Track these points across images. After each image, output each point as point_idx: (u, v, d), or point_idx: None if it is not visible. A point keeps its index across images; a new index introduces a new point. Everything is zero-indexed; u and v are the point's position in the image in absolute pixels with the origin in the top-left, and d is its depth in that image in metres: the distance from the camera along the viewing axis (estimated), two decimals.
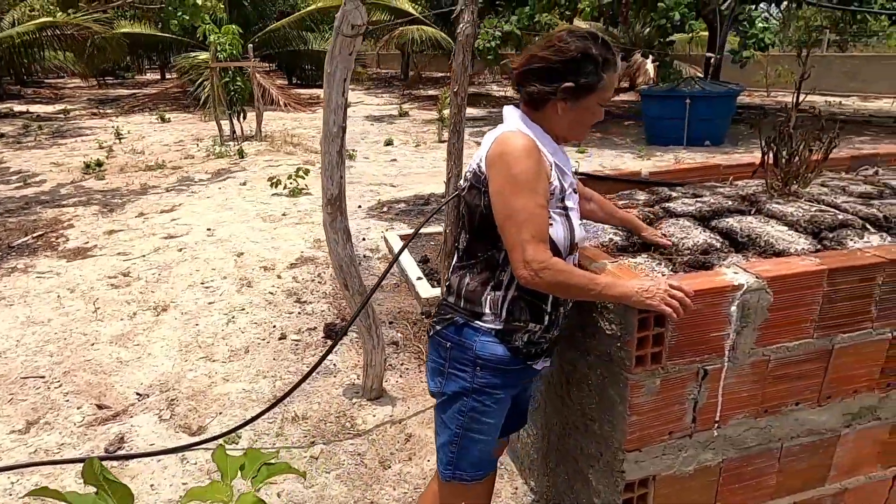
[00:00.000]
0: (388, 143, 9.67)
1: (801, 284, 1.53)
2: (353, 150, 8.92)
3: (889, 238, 2.05)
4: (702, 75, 12.87)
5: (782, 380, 1.62)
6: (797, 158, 2.49)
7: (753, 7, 9.32)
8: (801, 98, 2.61)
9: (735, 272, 1.54)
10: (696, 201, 2.44)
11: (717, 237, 2.06)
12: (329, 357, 3.15)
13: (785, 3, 11.25)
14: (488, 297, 1.41)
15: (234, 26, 10.04)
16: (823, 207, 2.32)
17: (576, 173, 2.77)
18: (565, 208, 1.42)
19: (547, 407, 1.99)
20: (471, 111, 14.78)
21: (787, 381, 1.63)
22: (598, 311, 1.54)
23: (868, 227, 2.17)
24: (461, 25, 2.23)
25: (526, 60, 1.37)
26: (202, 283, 4.09)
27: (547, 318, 1.44)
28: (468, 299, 1.43)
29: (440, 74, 23.07)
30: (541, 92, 1.35)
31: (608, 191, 2.77)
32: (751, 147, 8.83)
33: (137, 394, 2.88)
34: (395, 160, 8.34)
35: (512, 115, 1.44)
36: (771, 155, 2.51)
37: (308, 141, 9.82)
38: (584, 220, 2.27)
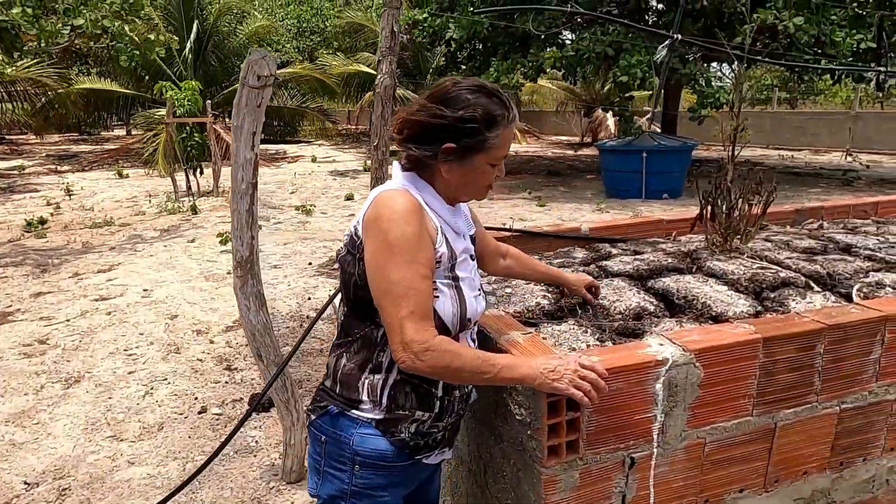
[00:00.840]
0: (349, 197, 9.56)
1: (734, 356, 1.36)
2: (311, 206, 8.76)
3: (833, 297, 1.93)
4: (659, 130, 13.24)
5: (722, 465, 1.43)
6: (736, 213, 2.39)
7: (708, 67, 9.66)
8: (737, 152, 2.53)
9: (661, 344, 1.36)
10: (635, 259, 2.31)
11: (653, 299, 1.90)
12: (252, 433, 2.86)
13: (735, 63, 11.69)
14: (366, 382, 1.20)
15: (194, 82, 10.00)
16: (765, 264, 2.20)
17: (510, 230, 2.64)
18: (455, 278, 1.23)
19: (468, 498, 1.75)
20: None
21: (728, 465, 1.44)
22: (507, 390, 1.34)
23: (812, 285, 2.04)
24: (379, 76, 2.10)
25: (401, 123, 1.22)
26: (125, 351, 3.78)
27: (438, 404, 1.23)
28: (344, 384, 1.22)
29: None
30: (421, 156, 1.20)
31: (547, 248, 2.63)
32: None
33: (25, 483, 2.54)
34: (353, 215, 8.18)
35: (399, 172, 1.27)
36: (709, 209, 2.40)
37: (266, 196, 9.64)
38: (515, 282, 2.10)
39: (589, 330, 1.66)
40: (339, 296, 1.35)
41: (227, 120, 15.38)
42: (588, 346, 1.55)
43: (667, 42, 3.34)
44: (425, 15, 11.02)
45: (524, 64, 9.19)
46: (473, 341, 1.33)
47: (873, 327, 1.51)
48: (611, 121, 17.91)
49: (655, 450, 1.34)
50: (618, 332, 1.67)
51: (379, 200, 1.18)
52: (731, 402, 1.39)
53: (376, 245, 1.14)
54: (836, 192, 9.51)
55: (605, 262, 2.31)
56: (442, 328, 1.18)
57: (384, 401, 1.19)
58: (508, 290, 2.00)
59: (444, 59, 11.77)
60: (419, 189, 1.23)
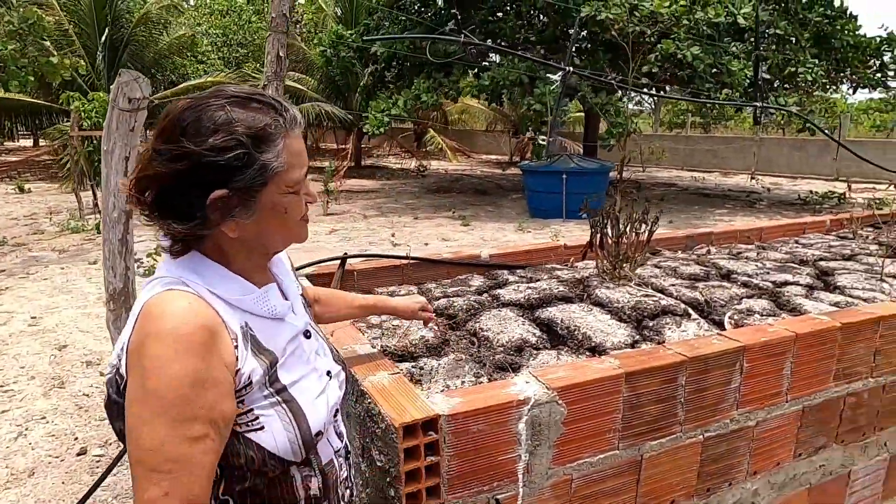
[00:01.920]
0: None
1: (598, 392, 1.38)
2: None
3: (706, 325, 2.01)
4: (582, 152, 13.73)
5: (590, 499, 1.44)
6: (625, 240, 2.46)
7: (618, 98, 10.14)
8: (638, 175, 2.61)
9: (527, 382, 1.36)
10: (528, 287, 2.33)
11: (537, 330, 1.91)
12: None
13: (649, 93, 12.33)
14: None
15: (102, 94, 9.49)
16: (650, 292, 2.27)
17: (407, 257, 2.61)
18: (282, 390, 0.92)
19: None
20: (364, 183, 14.77)
21: (597, 499, 1.45)
22: (370, 435, 1.29)
23: (690, 312, 2.12)
24: None
25: (134, 186, 0.86)
26: (0, 387, 3.46)
27: None
28: None
29: (335, 146, 23.17)
30: (186, 231, 0.86)
31: (446, 275, 2.62)
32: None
33: None
34: None
35: (167, 259, 0.92)
36: (598, 237, 2.47)
37: None
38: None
39: (468, 365, 1.64)
40: None
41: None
42: (463, 382, 1.54)
43: (559, 74, 3.44)
44: (351, 32, 10.99)
45: (447, 85, 9.31)
46: (340, 436, 1.10)
47: (732, 357, 1.57)
48: (541, 141, 18.44)
49: (521, 490, 1.33)
50: (497, 367, 1.67)
51: (144, 315, 0.83)
52: (597, 437, 1.41)
53: (132, 392, 0.80)
54: (741, 213, 10.14)
55: (499, 291, 2.32)
56: (281, 464, 0.91)
57: None
58: (395, 323, 1.96)
59: (371, 77, 11.74)
60: (203, 277, 0.88)
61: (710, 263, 2.79)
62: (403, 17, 10.45)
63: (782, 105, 8.57)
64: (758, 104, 6.23)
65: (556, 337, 1.91)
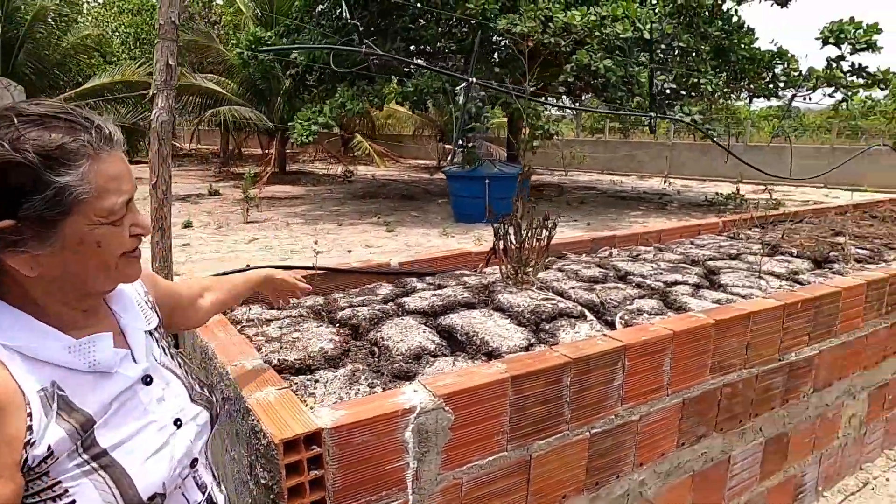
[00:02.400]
0: (187, 225, 8.92)
1: (485, 397, 1.42)
2: None
3: (598, 325, 2.11)
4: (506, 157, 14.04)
5: (481, 501, 1.48)
6: (527, 246, 2.55)
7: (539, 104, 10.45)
8: (563, 179, 2.71)
9: (415, 390, 1.38)
10: (434, 294, 2.36)
11: (437, 337, 1.95)
12: None
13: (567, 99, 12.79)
14: None
15: None
16: (550, 295, 2.36)
17: (314, 267, 2.59)
18: (101, 455, 0.81)
19: None
20: (289, 189, 14.45)
21: (487, 501, 1.49)
22: (254, 452, 1.28)
23: (586, 314, 2.23)
24: (155, 111, 1.96)
25: None
26: None
27: None
28: None
29: (259, 151, 22.57)
30: None
31: (355, 284, 2.62)
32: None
33: None
34: (188, 244, 7.64)
35: None
36: (501, 244, 2.54)
37: None
38: (305, 325, 2.03)
39: (364, 375, 1.65)
40: None
41: None
42: (357, 393, 1.54)
43: (463, 84, 3.53)
44: (270, 34, 10.74)
45: (371, 92, 9.28)
46: (203, 487, 0.99)
47: (615, 356, 1.67)
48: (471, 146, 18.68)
49: (411, 497, 1.35)
50: (394, 376, 1.69)
51: None
52: (486, 441, 1.45)
53: None
54: (653, 214, 10.68)
55: (405, 299, 2.34)
56: None
57: None
58: (296, 335, 1.94)
59: (291, 80, 11.51)
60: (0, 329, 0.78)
61: (611, 266, 2.93)
62: (324, 21, 10.34)
63: (687, 113, 9.11)
64: (652, 114, 6.61)
65: (456, 343, 1.96)
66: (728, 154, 6.27)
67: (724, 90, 10.06)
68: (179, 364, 1.03)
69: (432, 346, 1.86)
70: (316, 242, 7.70)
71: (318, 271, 2.50)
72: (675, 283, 2.66)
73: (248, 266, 2.33)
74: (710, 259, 3.14)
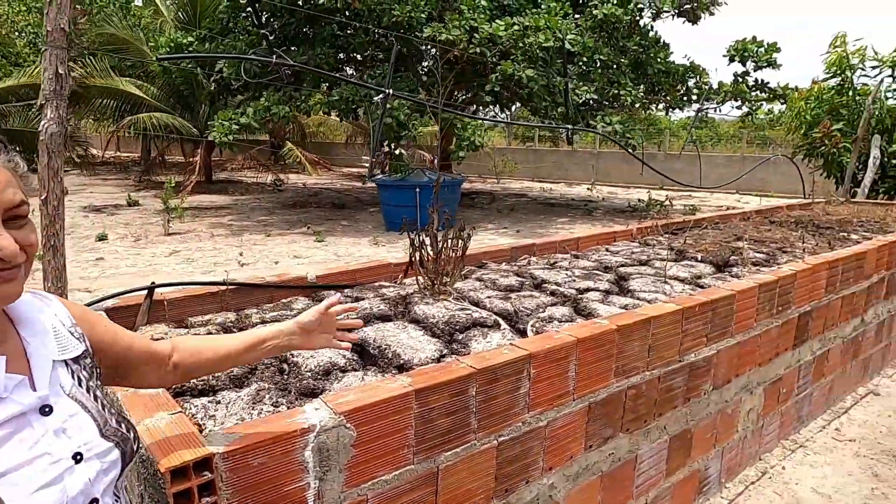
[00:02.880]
0: (101, 238, 8.44)
1: (388, 411, 1.43)
2: None
3: (511, 334, 2.16)
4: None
5: None
6: (444, 257, 2.58)
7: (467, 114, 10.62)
8: (494, 187, 2.74)
9: (316, 408, 1.37)
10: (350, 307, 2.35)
11: (348, 352, 1.93)
12: None
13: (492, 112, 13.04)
14: None
15: None
16: (465, 305, 2.40)
17: (225, 282, 2.51)
18: None
19: None
20: (215, 198, 13.96)
21: None
22: (144, 481, 1.23)
23: (500, 323, 2.27)
24: (44, 122, 1.85)
25: None
26: None
27: None
28: None
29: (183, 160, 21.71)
30: None
31: (270, 299, 2.56)
32: (479, 231, 9.73)
33: None
34: (101, 259, 7.23)
35: None
36: (417, 255, 2.56)
37: None
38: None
39: (269, 394, 1.62)
40: None
41: None
42: (260, 413, 1.51)
43: (380, 95, 3.55)
44: (191, 39, 10.38)
45: (298, 98, 9.13)
46: None
47: (520, 365, 1.71)
48: (404, 154, 18.68)
49: None
50: (301, 393, 1.66)
51: None
52: (391, 455, 1.45)
53: None
54: (580, 221, 11.04)
55: None
56: None
57: None
58: None
59: (215, 85, 11.15)
60: None
61: (528, 274, 3.01)
62: (243, 25, 10.09)
63: (608, 123, 9.49)
64: (568, 126, 6.88)
65: (369, 357, 1.95)
66: (643, 164, 6.58)
67: (643, 101, 10.55)
68: (96, 397, 0.97)
69: (342, 361, 1.84)
70: (241, 254, 7.48)
71: (230, 287, 2.43)
72: (588, 289, 2.76)
73: (153, 284, 2.23)
74: (622, 265, 3.28)
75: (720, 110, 10.63)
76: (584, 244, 3.87)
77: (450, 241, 2.56)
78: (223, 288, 2.40)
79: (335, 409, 1.35)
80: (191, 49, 9.94)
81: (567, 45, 8.09)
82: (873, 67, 7.53)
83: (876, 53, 7.56)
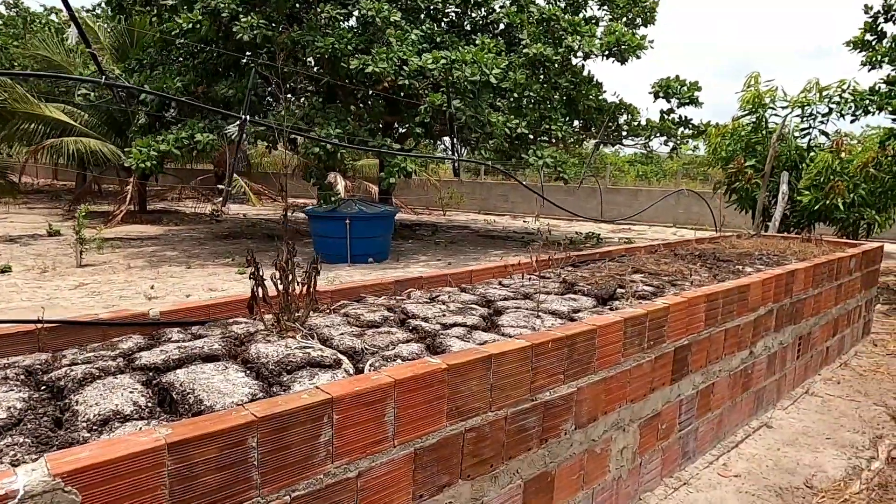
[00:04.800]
0: (4, 270, 7.93)
1: (131, 470, 1.25)
2: None
3: (343, 374, 2.02)
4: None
5: None
6: (294, 292, 2.43)
7: (391, 141, 10.62)
8: (429, 217, 2.61)
9: (33, 469, 1.18)
10: (178, 346, 2.16)
11: (145, 399, 1.74)
12: None
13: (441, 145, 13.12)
14: None
15: None
16: (309, 343, 2.24)
17: (39, 321, 2.30)
18: None
19: None
20: (147, 229, 13.45)
21: None
22: None
23: (342, 361, 2.12)
24: None
25: None
26: None
27: None
28: None
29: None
30: None
31: (104, 336, 2.35)
32: (411, 263, 9.61)
33: None
34: None
35: None
36: (260, 291, 2.41)
37: None
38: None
39: (21, 449, 1.42)
40: None
41: None
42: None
43: (237, 122, 3.45)
44: (118, 70, 10.09)
45: (224, 127, 8.93)
46: None
47: (319, 410, 1.56)
48: (341, 184, 18.55)
49: None
50: (67, 445, 1.47)
51: None
52: None
53: None
54: (514, 252, 11.07)
55: (143, 353, 2.11)
56: None
57: None
58: None
59: (145, 117, 10.84)
60: None
61: (399, 309, 2.88)
62: (175, 56, 9.89)
63: (539, 157, 9.62)
64: (455, 157, 6.93)
65: (171, 403, 1.77)
66: (542, 197, 6.65)
67: (574, 137, 10.77)
68: None
69: (129, 410, 1.65)
70: (152, 287, 7.13)
71: (46, 325, 2.21)
72: (455, 324, 2.65)
73: (39, 319, 2.01)
74: (505, 299, 3.20)
75: (648, 146, 10.95)
76: (477, 277, 3.79)
77: (293, 274, 2.42)
78: (40, 326, 2.18)
79: (53, 469, 1.17)
80: (122, 78, 9.66)
81: (492, 80, 8.20)
82: (783, 107, 7.89)
83: (785, 94, 7.93)
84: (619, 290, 3.40)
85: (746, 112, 8.19)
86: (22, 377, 1.93)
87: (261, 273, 2.35)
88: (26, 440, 1.47)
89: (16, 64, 19.42)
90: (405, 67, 8.25)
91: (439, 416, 1.87)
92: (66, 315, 2.90)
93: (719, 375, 3.39)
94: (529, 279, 3.81)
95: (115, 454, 1.24)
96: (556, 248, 4.50)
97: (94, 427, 1.57)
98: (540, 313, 2.86)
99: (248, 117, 2.96)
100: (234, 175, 19.76)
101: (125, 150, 14.87)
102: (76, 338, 2.29)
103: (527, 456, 2.21)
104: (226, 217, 16.55)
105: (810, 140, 7.74)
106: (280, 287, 2.40)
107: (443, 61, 8.09)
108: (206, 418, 1.43)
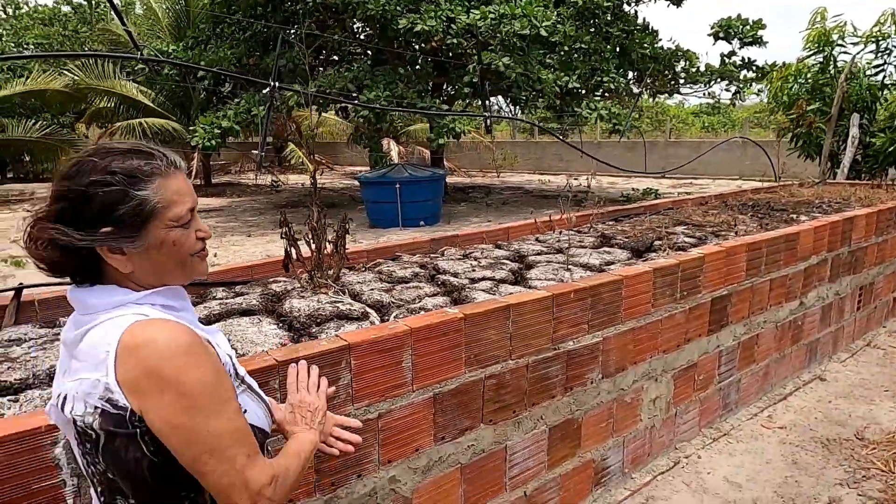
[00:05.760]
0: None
1: None
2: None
3: (368, 325, 2.12)
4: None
5: None
6: (325, 251, 2.55)
7: (441, 101, 10.55)
8: (470, 179, 2.71)
9: None
10: (220, 303, 2.33)
11: None
12: None
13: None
14: None
15: None
16: (340, 298, 2.36)
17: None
18: (243, 379, 1.12)
19: None
20: (211, 201, 14.12)
21: None
22: None
23: (369, 314, 2.24)
24: None
25: (32, 230, 0.95)
26: None
27: None
28: None
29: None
30: (69, 260, 0.95)
31: None
32: (462, 225, 9.68)
33: None
34: None
35: (107, 296, 0.97)
36: (294, 251, 2.53)
37: None
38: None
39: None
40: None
41: None
42: None
43: (267, 90, 3.54)
44: (175, 48, 10.49)
45: (276, 98, 9.16)
46: None
47: (336, 356, 1.67)
48: (394, 150, 18.70)
49: None
50: None
51: (132, 345, 0.91)
52: None
53: (171, 408, 0.90)
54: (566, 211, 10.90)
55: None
56: (263, 438, 1.09)
57: None
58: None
59: (204, 92, 11.26)
60: (154, 301, 0.98)
61: (431, 265, 2.96)
62: (228, 32, 10.16)
63: (593, 109, 9.34)
64: (486, 114, 6.79)
65: None
66: (582, 152, 6.46)
67: (629, 88, 10.38)
68: None
69: None
70: (215, 255, 7.54)
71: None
72: (483, 278, 2.70)
73: (20, 285, 2.24)
74: (538, 254, 3.22)
75: (708, 94, 10.40)
76: (514, 233, 3.81)
77: (325, 234, 2.53)
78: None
79: None
80: (174, 56, 10.04)
81: (543, 33, 7.97)
82: (853, 44, 7.29)
83: (855, 30, 7.32)
84: (656, 243, 3.35)
85: (812, 52, 7.62)
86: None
87: (293, 234, 2.47)
88: None
89: (86, 47, 20.45)
90: (453, 25, 8.15)
91: (457, 363, 1.95)
92: None
93: (764, 327, 3.30)
94: (567, 235, 3.80)
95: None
96: (612, 205, 4.43)
97: None
98: (570, 266, 2.87)
99: (277, 84, 3.07)
100: (291, 145, 20.31)
101: (189, 128, 15.59)
102: None
103: (551, 403, 2.27)
104: (284, 187, 17.08)
105: (884, 77, 7.14)
106: (312, 247, 2.52)
107: (491, 16, 7.93)
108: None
